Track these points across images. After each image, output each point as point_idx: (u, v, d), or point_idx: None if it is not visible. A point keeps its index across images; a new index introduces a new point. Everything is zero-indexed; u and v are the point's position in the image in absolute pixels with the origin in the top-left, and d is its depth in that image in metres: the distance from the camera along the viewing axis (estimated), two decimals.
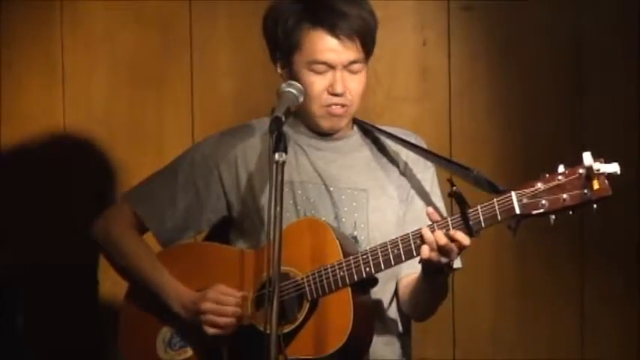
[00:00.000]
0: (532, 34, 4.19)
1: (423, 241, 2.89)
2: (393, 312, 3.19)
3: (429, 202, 3.16)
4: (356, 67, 3.08)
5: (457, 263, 3.12)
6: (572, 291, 4.22)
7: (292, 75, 3.10)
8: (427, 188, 3.16)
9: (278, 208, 2.73)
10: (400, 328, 3.20)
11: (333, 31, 3.04)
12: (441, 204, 3.15)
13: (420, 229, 2.91)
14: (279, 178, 2.74)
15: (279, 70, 3.16)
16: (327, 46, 3.05)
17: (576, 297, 4.22)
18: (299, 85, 2.99)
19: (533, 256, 4.23)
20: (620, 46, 4.18)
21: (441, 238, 2.86)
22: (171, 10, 4.26)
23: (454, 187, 2.86)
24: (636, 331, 4.19)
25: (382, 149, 3.22)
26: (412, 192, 3.20)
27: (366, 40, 3.08)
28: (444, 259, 2.89)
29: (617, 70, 4.19)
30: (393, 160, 3.22)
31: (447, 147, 4.19)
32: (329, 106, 3.08)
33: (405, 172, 3.20)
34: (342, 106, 3.08)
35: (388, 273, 3.04)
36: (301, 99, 2.99)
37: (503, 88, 4.23)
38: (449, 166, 3.15)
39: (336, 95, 3.06)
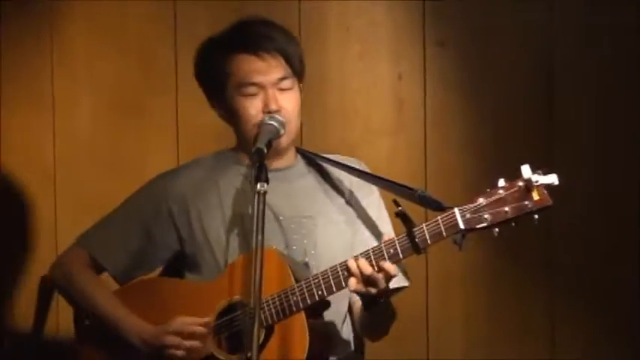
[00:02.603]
0: (504, 66, 4.21)
1: (350, 272, 2.90)
2: (345, 333, 3.20)
3: (375, 226, 3.18)
4: (285, 83, 3.10)
5: (403, 282, 3.13)
6: (542, 319, 4.21)
7: (228, 108, 3.13)
8: (373, 212, 3.19)
9: (260, 237, 2.76)
10: (352, 347, 3.22)
11: (256, 52, 3.09)
12: (388, 227, 3.16)
13: (346, 261, 2.92)
14: (261, 207, 2.79)
15: (217, 111, 3.20)
16: (253, 67, 3.09)
17: (546, 325, 4.21)
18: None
19: (503, 284, 4.22)
20: (591, 75, 4.19)
21: (365, 268, 2.88)
22: (154, 40, 4.27)
23: (399, 208, 2.88)
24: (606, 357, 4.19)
25: (326, 176, 3.24)
26: (359, 216, 3.21)
27: (290, 56, 3.12)
28: (372, 290, 2.90)
29: (588, 99, 4.20)
30: (337, 186, 3.23)
31: (422, 178, 4.19)
32: None
33: (351, 198, 3.22)
34: None
35: (338, 295, 3.04)
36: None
37: (476, 120, 4.23)
38: (393, 187, 3.15)
39: (270, 113, 3.07)
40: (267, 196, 3.07)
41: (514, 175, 3.49)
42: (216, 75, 3.14)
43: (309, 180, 3.23)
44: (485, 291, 4.23)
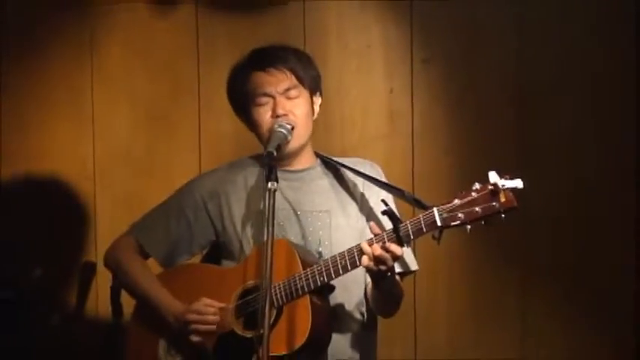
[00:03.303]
0: (484, 80, 4.40)
1: (362, 253, 3.12)
2: (356, 313, 3.40)
3: (380, 221, 3.29)
4: (293, 93, 3.36)
5: (414, 266, 3.37)
6: (516, 297, 4.42)
7: (249, 118, 3.39)
8: (379, 210, 3.22)
9: (270, 228, 3.00)
10: (363, 327, 3.41)
11: (265, 69, 3.37)
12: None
13: (360, 244, 3.13)
14: (271, 202, 3.03)
15: (245, 123, 3.44)
16: (263, 80, 3.36)
17: (519, 302, 4.41)
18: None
19: (483, 269, 4.43)
20: (564, 92, 4.38)
21: (376, 249, 3.09)
22: (180, 56, 4.47)
23: (387, 207, 3.09)
24: (573, 334, 4.41)
25: (341, 178, 3.45)
26: (368, 213, 3.40)
27: (296, 70, 3.37)
28: (382, 267, 3.11)
29: (565, 107, 4.37)
30: (351, 186, 3.43)
31: (410, 179, 4.40)
32: None
33: (362, 197, 3.42)
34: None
35: (349, 278, 3.26)
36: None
37: (459, 129, 4.42)
38: (388, 188, 3.39)
39: (279, 117, 3.32)
40: (288, 193, 3.36)
41: None
42: (239, 92, 3.42)
43: (326, 180, 3.43)
44: (468, 286, 4.44)
